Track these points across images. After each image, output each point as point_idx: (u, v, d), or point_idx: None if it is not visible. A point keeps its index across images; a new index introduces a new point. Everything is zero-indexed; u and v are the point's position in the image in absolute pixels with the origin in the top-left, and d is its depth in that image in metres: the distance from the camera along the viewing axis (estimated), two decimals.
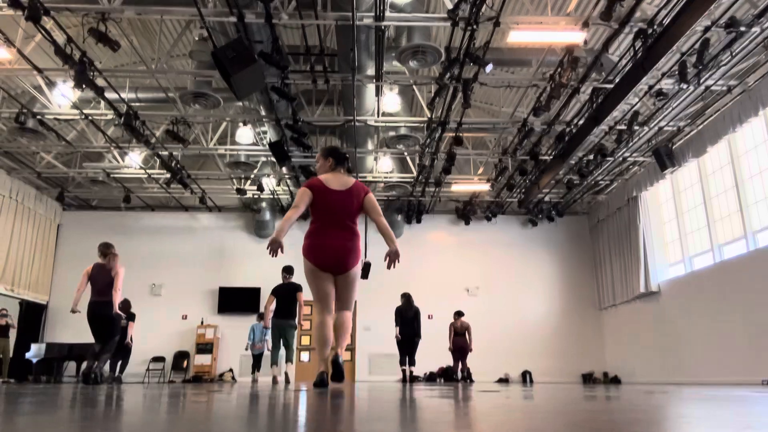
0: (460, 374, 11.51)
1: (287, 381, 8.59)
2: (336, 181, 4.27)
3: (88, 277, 7.38)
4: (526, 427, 1.43)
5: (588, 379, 14.32)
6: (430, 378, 13.92)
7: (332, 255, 4.12)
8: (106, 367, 10.70)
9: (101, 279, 7.34)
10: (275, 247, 3.93)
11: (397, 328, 10.39)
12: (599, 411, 2.05)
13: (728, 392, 4.35)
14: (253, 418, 1.75)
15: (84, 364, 10.63)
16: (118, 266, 7.46)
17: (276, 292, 8.75)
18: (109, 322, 7.38)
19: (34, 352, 12.02)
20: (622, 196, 13.63)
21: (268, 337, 11.17)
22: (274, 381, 8.73)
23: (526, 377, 14.24)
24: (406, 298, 10.62)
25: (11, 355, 12.21)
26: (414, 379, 10.42)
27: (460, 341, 11.48)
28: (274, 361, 8.93)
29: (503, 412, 1.98)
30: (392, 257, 4.26)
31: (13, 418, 1.70)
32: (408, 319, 10.40)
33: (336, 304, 4.23)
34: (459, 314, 11.56)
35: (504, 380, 14.09)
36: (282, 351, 8.77)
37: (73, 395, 3.41)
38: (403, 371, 10.49)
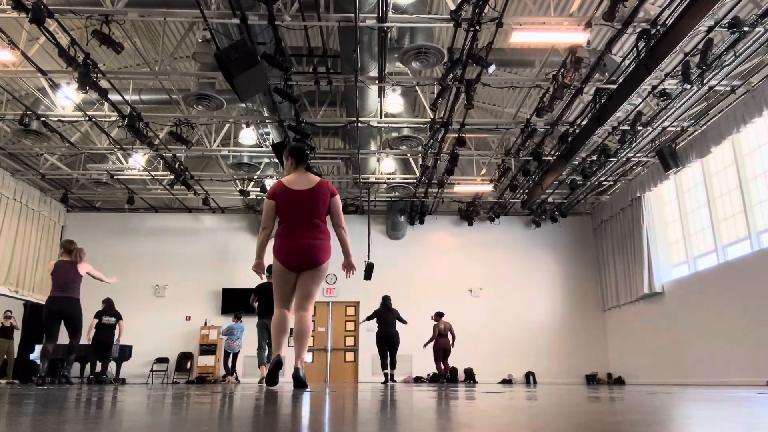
0: (445, 374, 11.71)
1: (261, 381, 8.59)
2: (299, 180, 4.38)
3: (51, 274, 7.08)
4: (531, 428, 1.43)
5: (592, 380, 14.29)
6: (434, 379, 13.90)
7: (301, 254, 4.25)
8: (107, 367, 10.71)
9: (64, 275, 7.04)
10: (258, 270, 4.47)
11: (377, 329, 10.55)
12: (603, 412, 2.04)
13: (733, 393, 4.34)
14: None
15: (90, 367, 10.64)
16: (84, 261, 7.18)
17: (260, 291, 8.74)
18: (73, 319, 7.09)
19: (38, 353, 12.04)
20: (626, 196, 13.61)
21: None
22: (261, 381, 8.74)
23: (529, 378, 14.22)
24: (384, 302, 10.73)
25: (15, 356, 12.25)
26: (393, 382, 10.44)
27: (443, 342, 11.57)
28: (263, 362, 8.88)
29: (507, 414, 1.98)
30: (347, 269, 4.50)
31: (19, 419, 1.71)
32: (387, 322, 10.52)
33: (296, 302, 4.36)
34: (440, 315, 11.71)
35: (507, 381, 14.08)
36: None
37: (77, 396, 3.43)
38: (386, 375, 10.50)
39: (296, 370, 4.16)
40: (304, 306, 4.30)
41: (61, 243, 7.40)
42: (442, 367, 11.74)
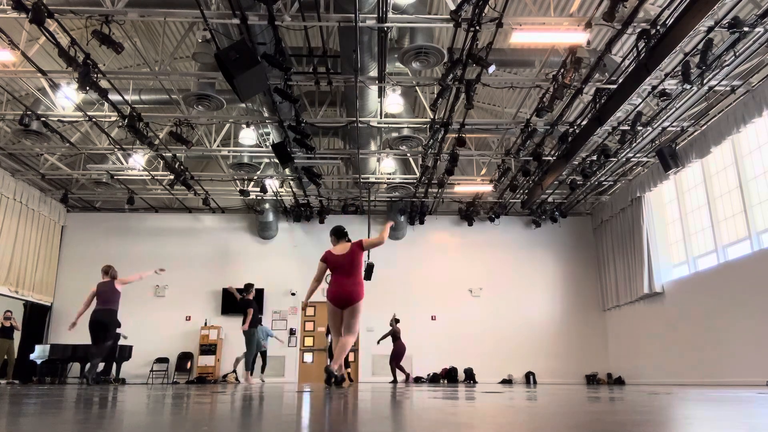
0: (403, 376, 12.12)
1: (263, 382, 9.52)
2: (340, 248, 6.44)
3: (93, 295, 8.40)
4: (531, 428, 1.43)
5: (592, 380, 14.29)
6: (433, 379, 13.91)
7: (345, 297, 6.24)
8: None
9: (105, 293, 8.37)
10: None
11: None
12: (604, 412, 2.04)
13: (733, 393, 4.34)
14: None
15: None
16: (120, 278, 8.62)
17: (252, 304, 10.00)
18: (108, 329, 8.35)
19: (39, 353, 12.05)
20: (626, 196, 13.60)
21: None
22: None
23: (529, 378, 14.21)
24: None
25: (15, 356, 12.25)
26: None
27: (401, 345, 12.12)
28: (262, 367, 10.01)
29: (507, 414, 1.98)
30: (387, 231, 6.51)
31: (19, 419, 1.71)
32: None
33: (343, 330, 6.32)
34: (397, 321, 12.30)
35: (507, 381, 14.08)
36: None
37: (77, 396, 3.43)
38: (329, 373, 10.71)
39: (327, 366, 6.27)
40: (347, 333, 6.31)
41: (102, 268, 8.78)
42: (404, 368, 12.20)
